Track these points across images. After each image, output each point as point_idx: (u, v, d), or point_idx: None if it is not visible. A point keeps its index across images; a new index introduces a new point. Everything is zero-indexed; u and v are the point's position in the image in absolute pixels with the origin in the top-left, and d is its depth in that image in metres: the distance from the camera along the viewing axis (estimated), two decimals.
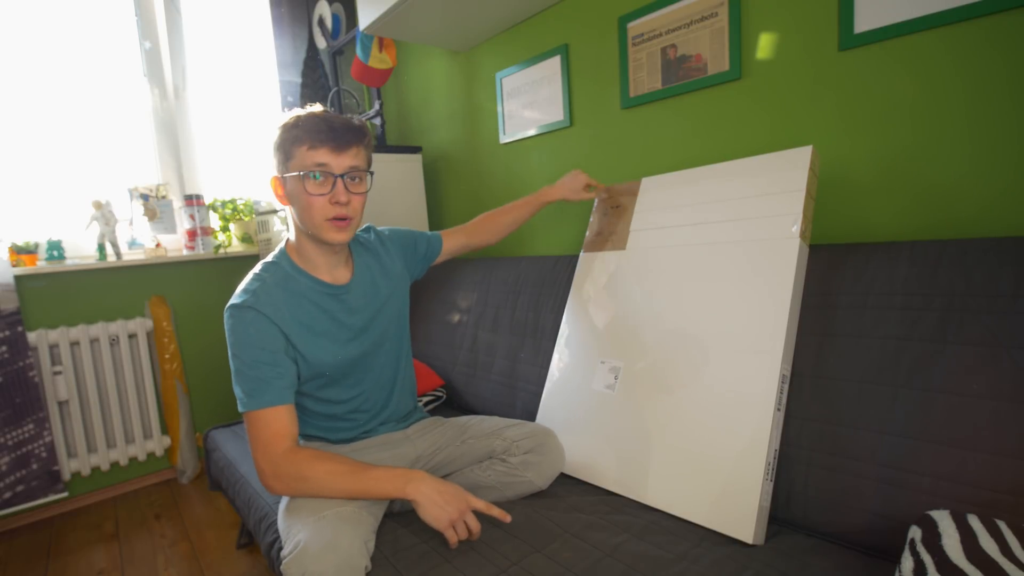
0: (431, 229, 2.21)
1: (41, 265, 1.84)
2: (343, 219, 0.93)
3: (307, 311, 0.96)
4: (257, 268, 0.98)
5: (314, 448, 0.91)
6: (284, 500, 0.93)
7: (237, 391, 0.90)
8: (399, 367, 1.14)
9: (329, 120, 0.91)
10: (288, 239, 1.02)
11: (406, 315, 1.16)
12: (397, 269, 1.14)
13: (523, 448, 1.07)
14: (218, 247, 2.18)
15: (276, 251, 1.02)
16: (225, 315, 0.91)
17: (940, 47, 0.93)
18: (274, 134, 0.93)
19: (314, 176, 0.90)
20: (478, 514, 0.90)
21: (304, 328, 0.95)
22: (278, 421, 0.88)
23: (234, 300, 0.91)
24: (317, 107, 0.94)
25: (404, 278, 1.16)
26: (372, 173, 0.98)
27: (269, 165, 0.97)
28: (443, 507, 0.85)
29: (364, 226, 1.18)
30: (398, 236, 1.19)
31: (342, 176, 0.91)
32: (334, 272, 1.01)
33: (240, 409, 0.89)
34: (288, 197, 0.95)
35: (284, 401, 0.90)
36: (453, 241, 1.28)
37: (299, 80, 2.35)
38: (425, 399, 1.60)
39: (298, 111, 0.94)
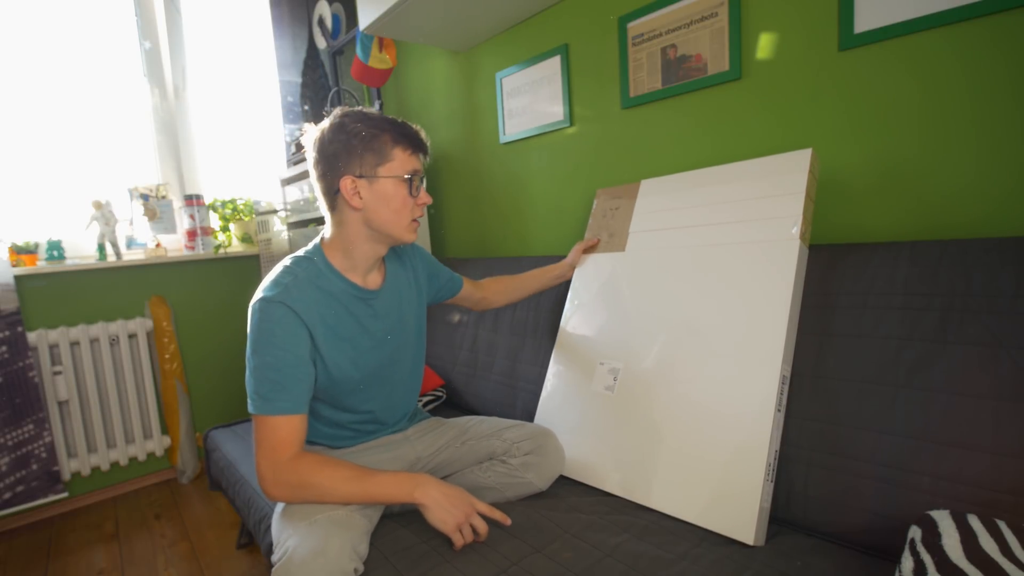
0: (430, 231, 2.21)
1: (41, 265, 1.84)
2: (416, 221, 0.97)
3: (335, 312, 0.93)
4: (288, 261, 0.95)
5: (316, 453, 0.89)
6: (280, 504, 0.92)
7: (250, 389, 0.87)
8: (413, 386, 1.13)
9: (410, 125, 0.95)
10: (324, 238, 0.98)
11: (423, 332, 1.14)
12: (421, 284, 1.13)
13: (523, 449, 1.07)
14: (218, 247, 2.18)
15: (310, 247, 0.98)
16: (252, 308, 0.87)
17: (942, 47, 0.93)
18: (354, 130, 0.89)
19: (421, 180, 0.94)
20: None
21: (329, 330, 0.92)
22: (287, 428, 0.86)
23: (263, 293, 0.88)
24: (372, 109, 0.96)
25: (424, 296, 1.14)
26: None
27: (331, 165, 0.90)
28: (450, 511, 0.85)
29: None
30: (428, 258, 1.18)
31: (423, 180, 0.96)
32: (368, 276, 0.99)
33: (250, 410, 0.86)
34: (370, 198, 0.91)
35: (298, 410, 0.87)
36: (467, 288, 1.27)
37: (299, 80, 2.35)
38: (425, 399, 1.60)
39: (364, 110, 0.93)
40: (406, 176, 0.92)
